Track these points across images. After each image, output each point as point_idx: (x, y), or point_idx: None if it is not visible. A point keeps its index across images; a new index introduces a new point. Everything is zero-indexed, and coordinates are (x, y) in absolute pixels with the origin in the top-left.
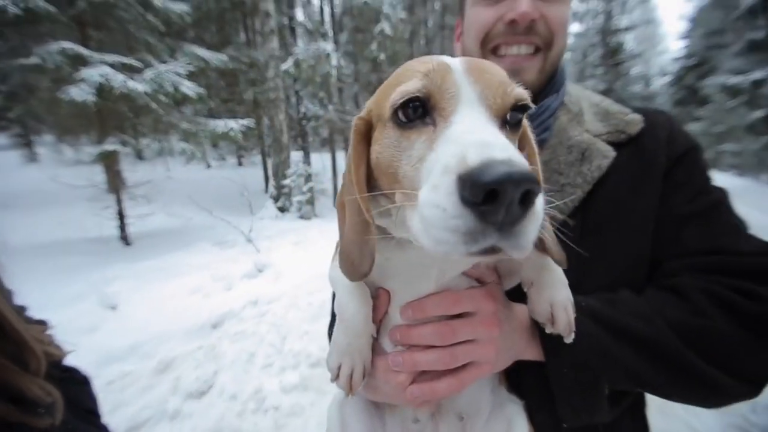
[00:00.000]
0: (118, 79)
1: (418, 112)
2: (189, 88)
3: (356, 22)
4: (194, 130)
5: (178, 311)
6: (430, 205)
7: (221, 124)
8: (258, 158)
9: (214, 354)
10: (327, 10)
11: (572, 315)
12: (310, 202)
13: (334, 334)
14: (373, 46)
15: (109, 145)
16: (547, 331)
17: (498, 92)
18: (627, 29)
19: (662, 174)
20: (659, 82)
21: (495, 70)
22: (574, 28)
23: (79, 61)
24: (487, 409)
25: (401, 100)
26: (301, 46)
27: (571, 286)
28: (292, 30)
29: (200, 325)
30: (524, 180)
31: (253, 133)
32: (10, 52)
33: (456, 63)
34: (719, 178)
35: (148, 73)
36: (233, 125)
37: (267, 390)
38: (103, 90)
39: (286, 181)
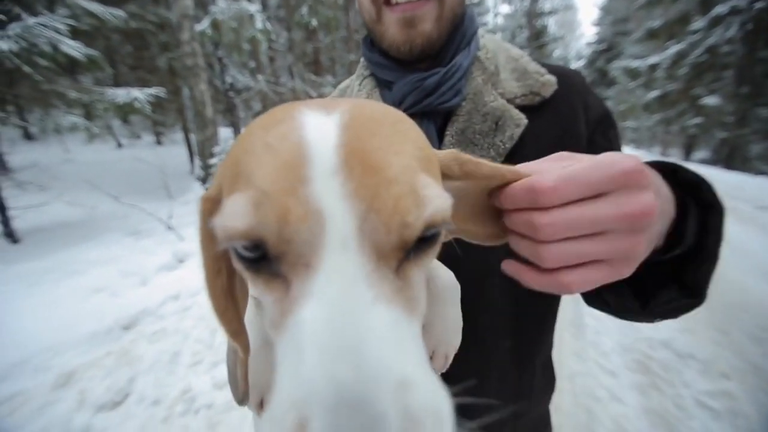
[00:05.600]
0: None
1: (260, 253)
2: (73, 47)
3: None
4: (88, 100)
5: (77, 315)
6: None
7: (122, 94)
8: (180, 136)
9: (128, 359)
10: None
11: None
12: None
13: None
14: (304, 10)
15: None
16: None
17: (394, 218)
18: (550, 13)
19: (585, 143)
20: (576, 65)
21: (390, 160)
22: (504, 8)
23: None
24: None
25: (225, 244)
26: (220, 5)
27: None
28: None
29: (107, 328)
30: None
31: (171, 106)
32: None
33: (322, 148)
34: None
35: (14, 28)
36: (138, 95)
37: (197, 389)
38: None
39: (214, 160)
